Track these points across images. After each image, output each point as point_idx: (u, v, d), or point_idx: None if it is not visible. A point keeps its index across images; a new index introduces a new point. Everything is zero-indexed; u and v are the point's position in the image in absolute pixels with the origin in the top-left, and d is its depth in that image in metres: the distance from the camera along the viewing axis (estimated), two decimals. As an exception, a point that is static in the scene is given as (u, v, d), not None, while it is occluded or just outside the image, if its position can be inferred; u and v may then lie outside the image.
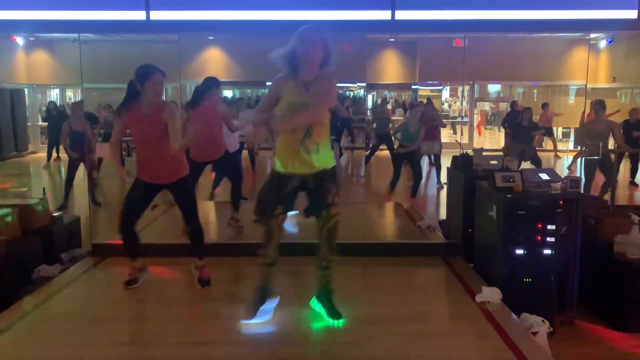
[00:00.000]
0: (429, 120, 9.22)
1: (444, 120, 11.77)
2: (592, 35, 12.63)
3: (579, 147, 9.63)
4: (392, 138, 10.04)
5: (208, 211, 6.79)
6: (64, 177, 8.26)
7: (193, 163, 5.30)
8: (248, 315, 3.43)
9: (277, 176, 3.30)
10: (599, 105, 7.64)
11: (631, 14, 4.66)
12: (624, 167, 10.27)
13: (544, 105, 13.06)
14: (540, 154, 14.35)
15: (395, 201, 7.55)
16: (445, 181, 5.71)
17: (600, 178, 7.60)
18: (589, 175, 7.39)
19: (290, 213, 3.52)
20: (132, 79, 3.83)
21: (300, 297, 3.77)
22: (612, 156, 7.36)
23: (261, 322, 3.43)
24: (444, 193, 5.80)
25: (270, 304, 3.49)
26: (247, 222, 5.94)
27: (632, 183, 10.05)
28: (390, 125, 12.10)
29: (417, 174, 8.09)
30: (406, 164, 8.23)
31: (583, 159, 8.04)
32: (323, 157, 3.26)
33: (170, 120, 3.79)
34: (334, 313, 3.43)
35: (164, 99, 4.04)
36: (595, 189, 7.47)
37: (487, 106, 21.81)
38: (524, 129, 9.14)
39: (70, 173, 7.92)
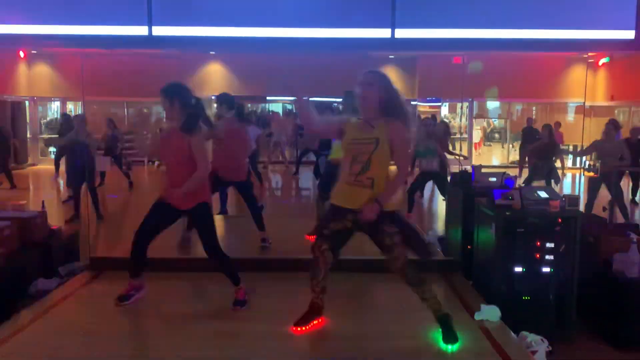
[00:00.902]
0: (441, 141, 9.16)
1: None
2: (591, 54, 12.74)
3: (585, 165, 9.61)
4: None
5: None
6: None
7: (217, 178, 5.30)
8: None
9: (331, 207, 3.39)
10: (611, 125, 7.65)
11: (629, 35, 4.72)
12: (624, 185, 10.29)
13: (556, 124, 13.10)
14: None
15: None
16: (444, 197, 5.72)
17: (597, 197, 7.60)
18: (593, 195, 7.40)
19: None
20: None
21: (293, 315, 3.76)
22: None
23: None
24: (443, 209, 5.81)
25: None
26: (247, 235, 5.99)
27: (633, 201, 10.06)
28: None
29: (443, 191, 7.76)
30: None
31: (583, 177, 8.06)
32: (378, 193, 3.21)
33: (194, 146, 3.78)
34: (448, 336, 3.40)
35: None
36: (597, 208, 7.45)
37: (486, 123, 21.92)
38: (543, 146, 9.09)
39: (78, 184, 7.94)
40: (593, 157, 12.12)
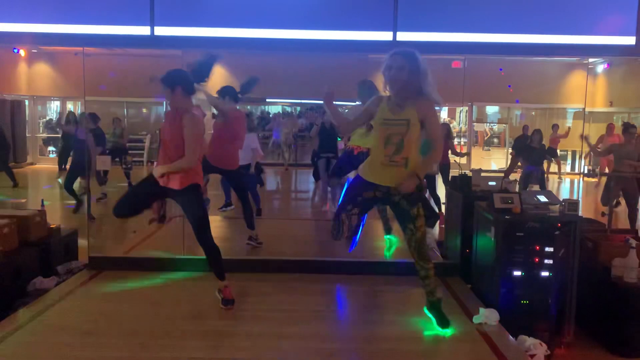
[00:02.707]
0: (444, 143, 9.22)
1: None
2: (590, 60, 12.76)
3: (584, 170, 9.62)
4: None
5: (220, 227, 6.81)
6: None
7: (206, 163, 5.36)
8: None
9: (362, 181, 3.45)
10: (633, 129, 7.66)
11: (629, 40, 4.74)
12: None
13: (554, 127, 13.04)
14: (545, 175, 14.45)
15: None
16: (444, 201, 5.72)
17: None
18: (613, 194, 7.30)
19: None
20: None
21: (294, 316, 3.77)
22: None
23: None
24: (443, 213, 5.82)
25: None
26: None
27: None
28: None
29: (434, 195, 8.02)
30: None
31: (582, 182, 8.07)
32: (412, 170, 3.32)
33: (187, 134, 3.76)
34: (442, 322, 3.58)
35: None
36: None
37: (485, 127, 21.97)
38: (534, 151, 9.14)
39: (70, 178, 8.07)
40: (592, 162, 12.15)
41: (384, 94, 3.44)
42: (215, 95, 5.49)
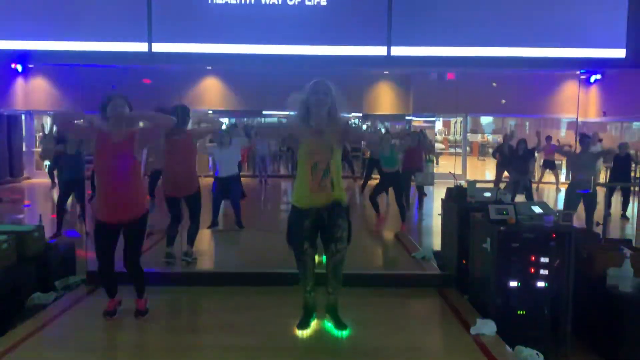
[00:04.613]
0: (413, 150, 9.39)
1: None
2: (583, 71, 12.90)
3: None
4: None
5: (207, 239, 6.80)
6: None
7: (168, 198, 5.40)
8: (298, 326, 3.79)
9: (296, 211, 3.68)
10: (588, 139, 7.85)
11: (619, 53, 4.82)
12: (615, 200, 10.39)
13: (548, 138, 13.05)
14: (542, 186, 14.50)
15: (391, 232, 7.63)
16: (440, 212, 5.76)
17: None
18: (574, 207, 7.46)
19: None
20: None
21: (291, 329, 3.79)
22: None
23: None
24: (438, 224, 5.86)
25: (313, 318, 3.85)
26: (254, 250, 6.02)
27: (623, 216, 10.14)
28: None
29: (399, 198, 8.25)
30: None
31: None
32: (337, 192, 3.63)
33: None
34: (340, 325, 3.77)
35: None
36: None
37: (479, 137, 22.12)
38: (519, 159, 9.25)
39: (62, 198, 7.88)
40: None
41: (296, 118, 3.70)
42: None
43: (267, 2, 4.73)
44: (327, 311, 3.85)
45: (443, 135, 22.02)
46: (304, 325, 3.79)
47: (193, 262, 5.52)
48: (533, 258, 4.13)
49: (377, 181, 8.81)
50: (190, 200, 5.47)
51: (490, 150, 21.56)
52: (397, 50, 4.61)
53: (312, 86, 3.63)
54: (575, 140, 8.10)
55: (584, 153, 7.91)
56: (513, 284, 4.14)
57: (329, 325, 3.83)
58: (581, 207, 7.71)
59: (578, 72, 11.91)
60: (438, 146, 20.11)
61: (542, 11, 4.71)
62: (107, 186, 3.92)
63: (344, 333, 3.74)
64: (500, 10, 4.76)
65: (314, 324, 3.83)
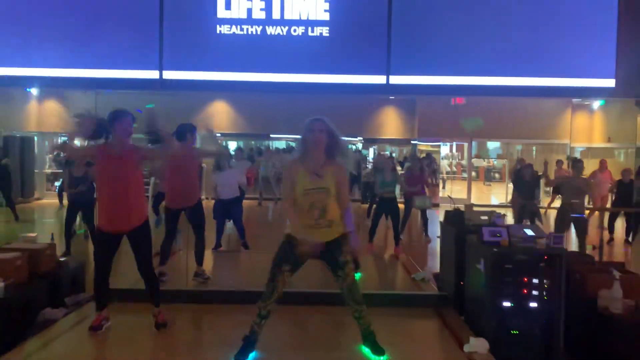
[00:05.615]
0: (415, 177, 9.61)
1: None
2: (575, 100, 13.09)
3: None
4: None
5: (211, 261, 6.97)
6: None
7: (168, 211, 5.55)
8: (237, 357, 3.65)
9: (291, 240, 3.67)
10: (580, 164, 8.06)
11: (609, 83, 5.03)
12: (619, 226, 10.46)
13: (558, 162, 13.16)
14: (550, 211, 14.57)
15: (391, 254, 7.78)
16: (438, 234, 5.91)
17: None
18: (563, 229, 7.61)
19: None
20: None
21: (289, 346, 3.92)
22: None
23: None
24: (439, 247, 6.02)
25: (253, 352, 3.71)
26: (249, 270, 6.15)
27: (627, 242, 10.19)
28: None
29: (396, 222, 8.40)
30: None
31: None
32: (335, 230, 3.67)
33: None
34: (377, 350, 3.77)
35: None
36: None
37: (484, 163, 22.24)
38: (525, 184, 9.38)
39: (69, 219, 7.98)
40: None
41: (292, 161, 3.71)
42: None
43: (272, 33, 4.97)
44: (363, 338, 3.84)
45: (457, 160, 22.14)
46: (241, 355, 3.66)
47: (205, 281, 5.66)
48: (525, 279, 4.26)
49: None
50: (191, 212, 5.57)
51: (497, 176, 21.70)
52: (396, 79, 4.83)
53: (308, 124, 3.63)
54: (568, 166, 8.24)
55: (577, 177, 8.06)
56: (506, 304, 4.26)
57: (366, 350, 3.82)
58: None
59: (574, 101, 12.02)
60: (447, 170, 20.30)
61: (533, 42, 4.94)
62: (110, 197, 4.09)
63: (382, 358, 3.74)
64: (495, 43, 4.99)
65: (252, 356, 3.71)
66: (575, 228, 7.83)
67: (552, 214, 14.37)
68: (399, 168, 16.05)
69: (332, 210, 3.65)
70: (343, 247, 3.67)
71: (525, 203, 9.30)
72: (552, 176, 12.86)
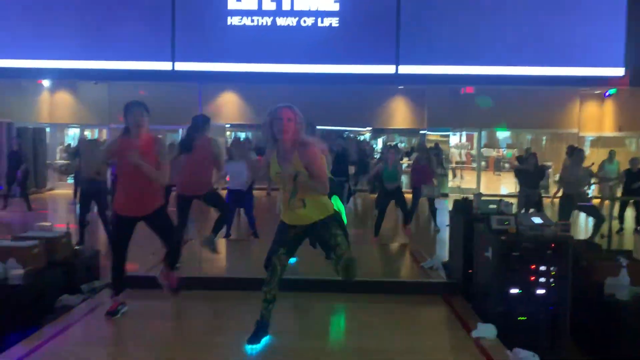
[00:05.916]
0: (421, 168, 9.68)
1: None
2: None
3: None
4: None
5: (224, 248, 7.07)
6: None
7: (179, 198, 5.63)
8: (249, 342, 3.72)
9: (282, 222, 3.81)
10: (579, 152, 8.06)
11: (618, 72, 5.04)
12: (629, 215, 10.46)
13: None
14: (556, 200, 14.56)
15: (400, 243, 7.86)
16: (448, 223, 5.97)
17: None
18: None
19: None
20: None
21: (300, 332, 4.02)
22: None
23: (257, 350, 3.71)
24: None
25: (266, 336, 3.79)
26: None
27: (637, 231, 10.17)
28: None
29: (404, 208, 8.51)
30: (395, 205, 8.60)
31: None
32: (313, 211, 3.66)
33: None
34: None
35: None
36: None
37: (494, 152, 22.16)
38: (529, 175, 9.40)
39: (83, 209, 7.95)
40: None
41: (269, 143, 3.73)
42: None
43: (282, 24, 5.02)
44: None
45: (467, 150, 22.10)
46: (254, 340, 3.71)
47: (213, 252, 5.78)
48: (533, 266, 4.31)
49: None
50: (207, 196, 5.62)
51: (507, 166, 21.63)
52: (405, 69, 4.86)
53: (275, 111, 3.62)
54: (566, 153, 8.20)
55: (577, 165, 8.06)
56: (514, 291, 4.32)
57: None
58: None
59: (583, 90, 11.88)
60: (457, 159, 20.27)
61: (542, 32, 4.95)
62: (129, 184, 4.26)
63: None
64: (505, 32, 5.01)
65: (265, 340, 3.74)
66: (590, 216, 7.82)
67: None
68: (405, 159, 16.11)
69: (304, 191, 3.61)
70: (332, 230, 3.64)
71: (529, 193, 9.33)
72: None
